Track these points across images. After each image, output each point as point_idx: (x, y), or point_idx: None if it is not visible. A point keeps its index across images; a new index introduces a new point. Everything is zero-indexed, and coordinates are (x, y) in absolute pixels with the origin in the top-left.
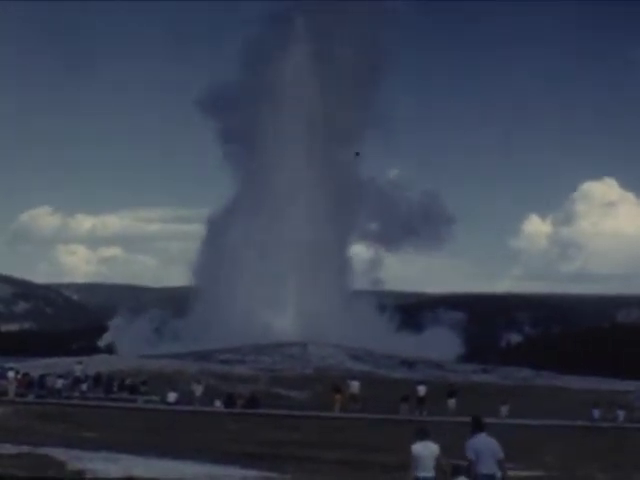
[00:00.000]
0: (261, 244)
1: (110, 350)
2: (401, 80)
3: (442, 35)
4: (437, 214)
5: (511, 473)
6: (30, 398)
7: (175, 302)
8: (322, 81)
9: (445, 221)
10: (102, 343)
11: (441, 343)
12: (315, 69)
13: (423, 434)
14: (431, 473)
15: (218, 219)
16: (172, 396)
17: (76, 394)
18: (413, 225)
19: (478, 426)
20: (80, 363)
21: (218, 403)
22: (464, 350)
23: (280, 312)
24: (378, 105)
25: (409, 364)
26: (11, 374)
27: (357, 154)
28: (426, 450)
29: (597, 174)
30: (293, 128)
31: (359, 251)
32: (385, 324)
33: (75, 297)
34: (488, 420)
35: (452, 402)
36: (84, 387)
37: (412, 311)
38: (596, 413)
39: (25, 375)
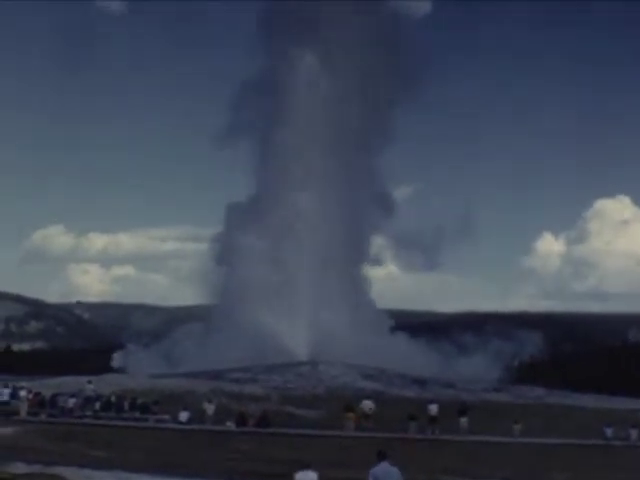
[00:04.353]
0: (273, 261)
1: (123, 370)
2: (417, 95)
3: (456, 51)
4: (456, 231)
5: None
6: (42, 417)
7: (188, 321)
8: (337, 96)
9: (466, 239)
10: (115, 363)
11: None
12: (330, 85)
13: (305, 466)
14: None
15: (228, 236)
16: (184, 415)
17: (88, 413)
18: (428, 243)
19: (381, 456)
20: (90, 382)
21: (229, 423)
22: (501, 371)
23: (292, 331)
24: (393, 120)
25: (421, 383)
26: (23, 393)
27: None
28: (306, 477)
29: (610, 192)
30: (308, 146)
31: (372, 269)
32: (402, 343)
33: (86, 316)
34: (501, 439)
35: (464, 421)
36: (97, 406)
37: (427, 330)
38: (609, 432)
39: (37, 394)
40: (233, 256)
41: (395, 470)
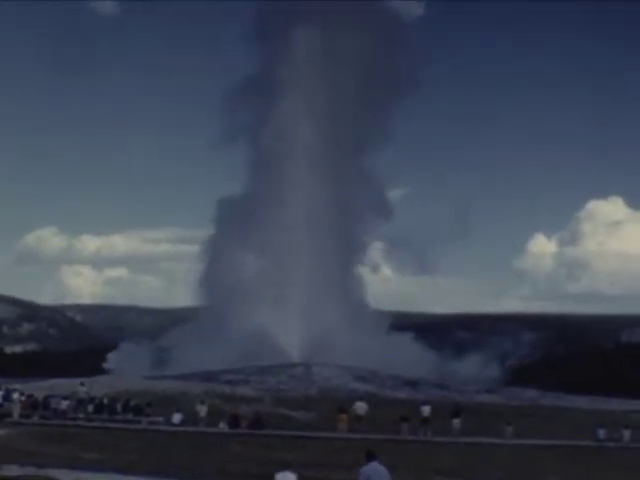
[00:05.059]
0: (265, 263)
1: (116, 371)
2: (410, 97)
3: (453, 52)
4: (449, 233)
5: None
6: (34, 419)
7: (181, 323)
8: (334, 98)
9: (459, 240)
10: (108, 364)
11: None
12: (326, 87)
13: (285, 466)
14: None
15: (220, 237)
16: (177, 417)
17: (81, 415)
18: (422, 245)
19: (370, 456)
20: (83, 384)
21: (222, 425)
22: (495, 372)
23: (286, 332)
24: (387, 122)
25: (413, 384)
26: (15, 395)
27: None
28: (285, 478)
29: (603, 193)
30: (303, 147)
31: (365, 270)
32: (396, 344)
33: (79, 318)
34: (494, 441)
35: (457, 422)
36: (90, 408)
37: (421, 331)
38: (601, 433)
39: (29, 396)
40: (226, 258)
41: (384, 470)
